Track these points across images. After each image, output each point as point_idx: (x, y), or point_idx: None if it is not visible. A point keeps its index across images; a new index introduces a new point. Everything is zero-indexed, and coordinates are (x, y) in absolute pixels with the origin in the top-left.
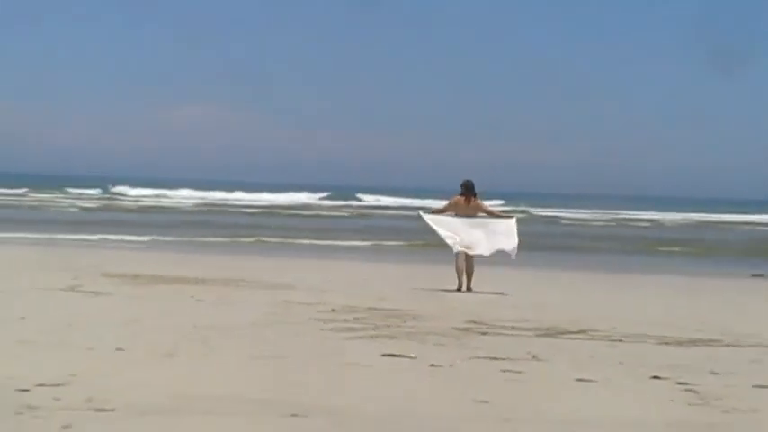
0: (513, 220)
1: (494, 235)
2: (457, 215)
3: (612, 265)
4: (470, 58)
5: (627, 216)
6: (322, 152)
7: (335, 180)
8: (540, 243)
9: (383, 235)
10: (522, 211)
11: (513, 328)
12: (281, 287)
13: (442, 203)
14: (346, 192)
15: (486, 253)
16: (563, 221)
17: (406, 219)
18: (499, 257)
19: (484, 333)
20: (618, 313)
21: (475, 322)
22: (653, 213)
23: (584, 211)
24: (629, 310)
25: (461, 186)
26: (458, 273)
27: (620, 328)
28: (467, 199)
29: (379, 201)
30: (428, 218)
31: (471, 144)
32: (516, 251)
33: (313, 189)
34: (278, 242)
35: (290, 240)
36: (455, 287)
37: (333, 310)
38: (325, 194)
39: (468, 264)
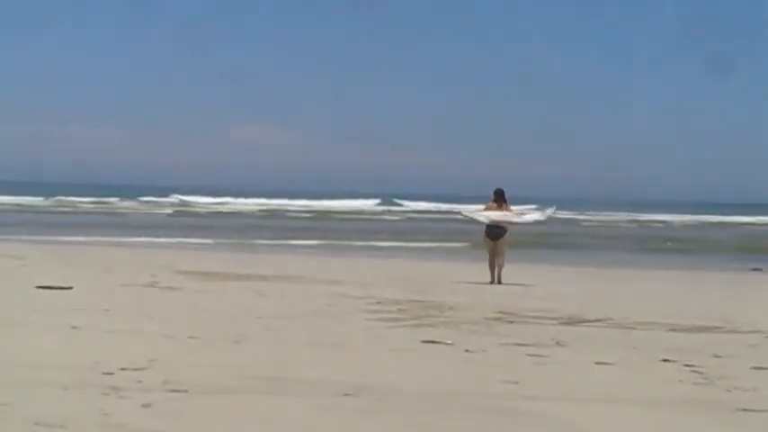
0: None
1: (524, 214)
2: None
3: (626, 261)
4: (483, 73)
5: (641, 218)
6: (361, 164)
7: (381, 189)
8: (561, 242)
9: (424, 236)
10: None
11: (538, 317)
12: (334, 283)
13: (477, 207)
14: (390, 198)
15: (516, 219)
16: (583, 223)
17: (443, 221)
18: (526, 255)
19: (512, 322)
20: (631, 304)
21: (504, 312)
22: (664, 215)
23: (602, 213)
24: (640, 301)
25: (493, 193)
26: (489, 268)
27: (632, 316)
28: (498, 204)
29: (419, 206)
30: (467, 213)
31: (492, 155)
32: (548, 215)
33: (364, 196)
34: (331, 244)
35: (343, 242)
36: (487, 280)
37: (379, 303)
38: (377, 201)
39: (498, 259)
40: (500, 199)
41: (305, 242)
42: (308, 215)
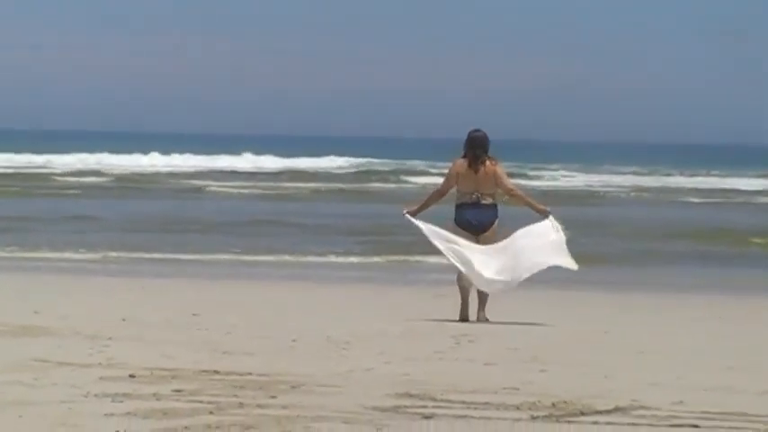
0: (550, 220)
1: (529, 251)
2: (462, 199)
3: (674, 279)
4: None
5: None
6: None
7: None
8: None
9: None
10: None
11: (487, 405)
12: (30, 332)
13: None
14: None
15: (515, 281)
16: (602, 193)
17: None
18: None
19: (428, 416)
20: (691, 369)
21: (411, 395)
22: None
23: (615, 173)
24: (710, 362)
25: (465, 144)
26: (460, 289)
27: (691, 401)
28: (475, 165)
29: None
30: (418, 223)
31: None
32: (573, 262)
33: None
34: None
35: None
36: (456, 316)
37: (131, 377)
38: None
39: None
40: (478, 155)
41: None
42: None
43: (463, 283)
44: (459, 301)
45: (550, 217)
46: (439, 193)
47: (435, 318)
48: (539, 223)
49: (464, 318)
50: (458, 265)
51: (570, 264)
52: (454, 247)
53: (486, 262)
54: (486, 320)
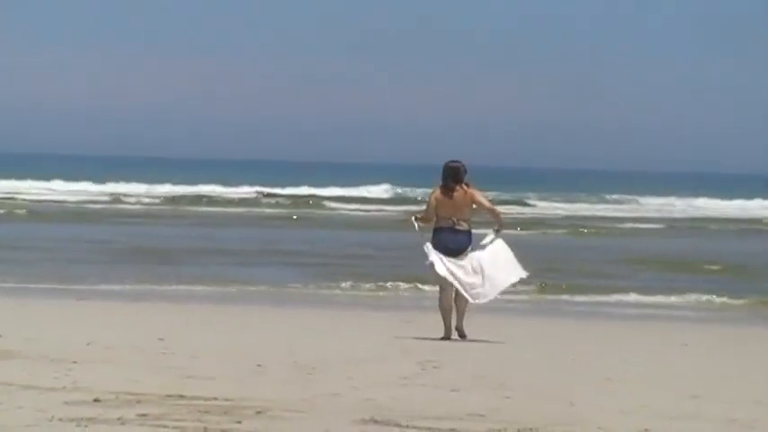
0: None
1: (495, 271)
2: (439, 223)
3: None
4: None
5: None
6: None
7: None
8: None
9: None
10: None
11: (452, 431)
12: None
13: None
14: None
15: (486, 298)
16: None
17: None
18: None
19: None
20: (657, 397)
21: (376, 421)
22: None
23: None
24: (676, 390)
25: (444, 175)
26: (441, 310)
27: (657, 429)
28: (449, 192)
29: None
30: (426, 242)
31: None
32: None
33: None
34: None
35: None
36: (439, 334)
37: (96, 401)
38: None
39: (458, 295)
40: (447, 185)
41: None
42: None
43: (444, 305)
44: (442, 324)
45: (497, 235)
46: (424, 219)
47: (401, 343)
48: (493, 244)
49: (447, 337)
50: (447, 276)
51: (522, 273)
52: (444, 261)
53: (467, 276)
54: (464, 336)
